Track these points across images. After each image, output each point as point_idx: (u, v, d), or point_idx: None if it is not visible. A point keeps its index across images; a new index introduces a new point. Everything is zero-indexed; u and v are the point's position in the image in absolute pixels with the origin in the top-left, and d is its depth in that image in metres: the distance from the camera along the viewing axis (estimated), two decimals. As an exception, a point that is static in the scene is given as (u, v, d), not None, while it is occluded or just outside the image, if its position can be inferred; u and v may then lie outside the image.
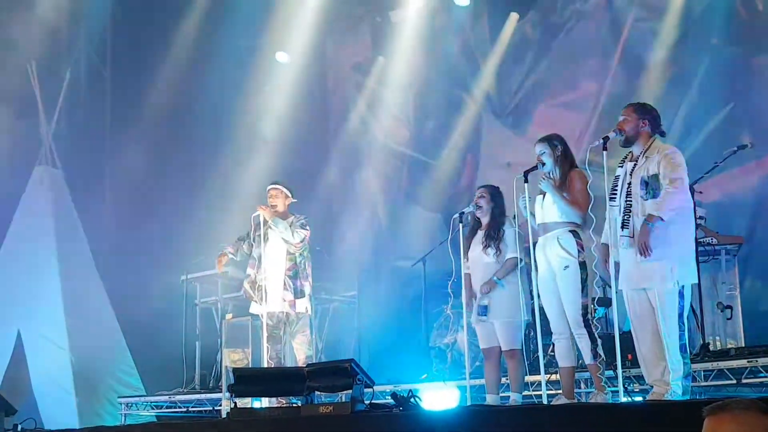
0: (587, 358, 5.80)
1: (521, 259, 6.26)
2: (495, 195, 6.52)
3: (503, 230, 6.37)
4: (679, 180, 5.23)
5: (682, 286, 5.28)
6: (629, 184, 5.40)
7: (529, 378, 6.53)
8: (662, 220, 5.17)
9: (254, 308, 7.48)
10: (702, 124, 8.86)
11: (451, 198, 10.69)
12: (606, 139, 5.48)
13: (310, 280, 7.48)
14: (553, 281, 5.87)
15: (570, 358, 5.92)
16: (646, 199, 5.29)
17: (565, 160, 5.95)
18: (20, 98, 10.74)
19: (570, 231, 5.85)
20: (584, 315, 5.77)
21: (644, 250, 5.18)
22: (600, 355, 5.76)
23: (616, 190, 5.47)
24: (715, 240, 7.12)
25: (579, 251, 5.81)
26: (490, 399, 6.36)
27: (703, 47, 9.02)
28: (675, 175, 5.23)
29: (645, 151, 5.40)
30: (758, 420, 2.58)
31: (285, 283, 7.30)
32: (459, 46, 10.91)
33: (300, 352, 7.31)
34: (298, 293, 7.32)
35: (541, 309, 5.94)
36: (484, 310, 6.29)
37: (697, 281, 5.52)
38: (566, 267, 5.79)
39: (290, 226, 7.31)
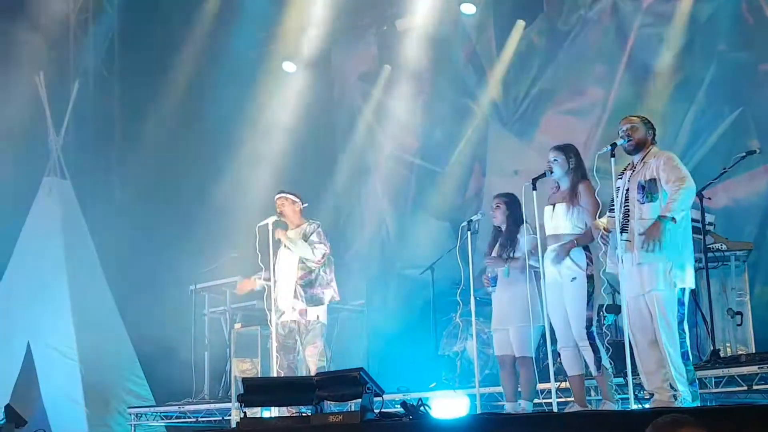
0: (592, 370, 5.82)
1: (533, 266, 6.23)
2: (510, 203, 6.49)
3: (517, 238, 6.38)
4: (686, 178, 5.28)
5: (681, 291, 5.29)
6: (627, 189, 5.45)
7: (539, 386, 6.51)
8: (674, 221, 5.21)
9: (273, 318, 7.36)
10: (710, 130, 8.84)
11: (458, 206, 10.68)
12: (614, 145, 5.50)
13: (334, 286, 7.31)
14: (561, 292, 5.88)
15: (577, 367, 5.92)
16: (643, 203, 5.37)
17: (576, 172, 5.95)
18: (28, 110, 10.79)
19: None
20: (588, 327, 5.78)
21: (653, 244, 5.18)
22: (604, 366, 5.76)
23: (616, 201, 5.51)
24: (724, 246, 7.09)
25: (588, 264, 5.82)
26: (509, 407, 6.38)
27: (710, 53, 9.00)
28: (680, 174, 5.30)
29: (643, 158, 5.47)
30: None
31: (296, 292, 7.21)
32: (465, 54, 10.91)
33: (311, 362, 7.24)
34: (313, 301, 7.18)
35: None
36: (494, 281, 6.39)
37: (694, 287, 5.52)
38: (573, 279, 5.80)
39: (306, 240, 7.22)
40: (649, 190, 5.35)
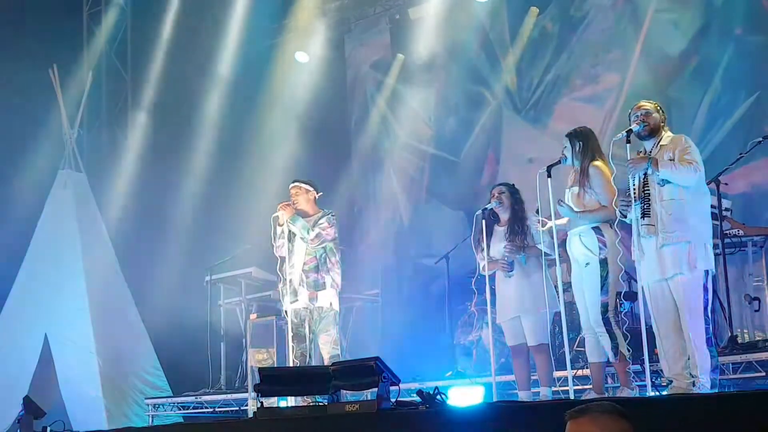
0: (609, 356, 5.79)
1: (547, 254, 6.22)
2: (513, 191, 6.55)
3: (527, 225, 6.35)
4: (694, 162, 5.29)
5: (705, 275, 5.28)
6: (645, 174, 5.41)
7: (555, 373, 6.49)
8: (655, 171, 5.29)
9: (286, 306, 7.34)
10: (726, 114, 8.77)
11: (473, 195, 10.63)
12: (629, 131, 5.49)
13: (338, 271, 7.21)
14: (580, 278, 5.86)
15: (598, 354, 5.89)
16: (663, 185, 5.36)
17: (584, 155, 5.91)
18: (43, 103, 10.82)
19: (592, 228, 5.82)
20: (604, 313, 5.73)
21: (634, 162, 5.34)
22: (622, 353, 5.72)
23: (635, 189, 5.47)
24: (741, 232, 7.04)
25: (601, 248, 5.75)
26: (523, 395, 6.36)
27: (725, 37, 8.92)
28: (689, 158, 5.31)
29: (658, 142, 5.48)
30: (615, 424, 2.75)
31: (301, 278, 7.16)
32: (478, 42, 10.85)
33: (324, 350, 7.24)
34: (319, 286, 7.13)
35: (567, 304, 5.94)
36: (511, 266, 6.31)
37: (714, 270, 5.52)
38: (587, 264, 5.79)
39: (314, 223, 7.22)
40: None
